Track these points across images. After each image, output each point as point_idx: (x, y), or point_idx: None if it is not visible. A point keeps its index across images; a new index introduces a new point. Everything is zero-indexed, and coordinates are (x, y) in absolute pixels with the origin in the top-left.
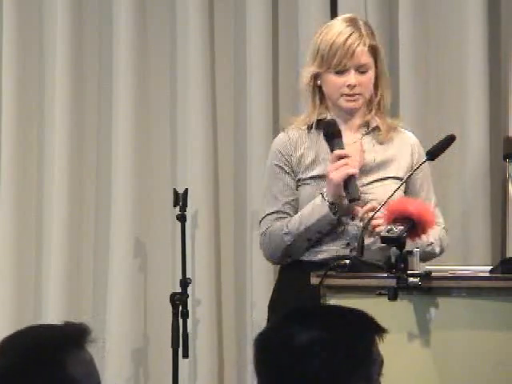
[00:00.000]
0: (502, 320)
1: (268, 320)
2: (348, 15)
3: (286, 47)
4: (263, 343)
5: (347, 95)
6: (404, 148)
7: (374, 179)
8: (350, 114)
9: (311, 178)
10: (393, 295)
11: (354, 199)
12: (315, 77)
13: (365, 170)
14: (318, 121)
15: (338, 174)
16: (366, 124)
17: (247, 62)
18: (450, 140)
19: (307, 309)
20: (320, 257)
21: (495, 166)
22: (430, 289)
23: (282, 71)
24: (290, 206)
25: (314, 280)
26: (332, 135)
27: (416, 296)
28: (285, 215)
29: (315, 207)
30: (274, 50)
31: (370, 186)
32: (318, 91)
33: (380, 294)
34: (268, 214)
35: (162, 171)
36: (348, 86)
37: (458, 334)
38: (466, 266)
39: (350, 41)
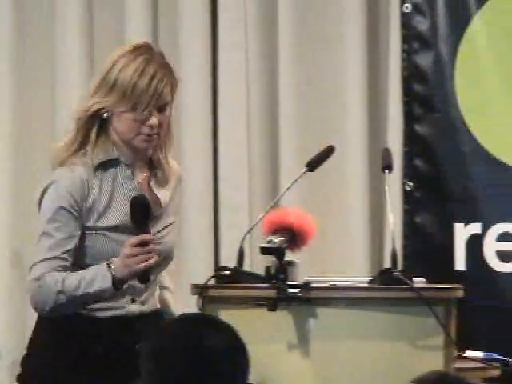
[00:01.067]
0: (381, 330)
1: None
2: (141, 43)
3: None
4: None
5: (146, 135)
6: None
7: (163, 226)
8: (139, 154)
9: (106, 228)
10: (272, 306)
11: (145, 281)
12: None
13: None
14: (105, 162)
15: (137, 262)
16: (151, 164)
17: None
18: (329, 151)
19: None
20: (105, 314)
21: (374, 178)
22: (309, 299)
23: None
24: (70, 254)
25: (194, 291)
26: (142, 216)
27: (296, 306)
28: (65, 262)
29: (98, 277)
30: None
31: (159, 235)
32: (98, 125)
33: (260, 305)
34: (45, 260)
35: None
36: (149, 126)
37: (338, 344)
38: (346, 277)
39: (155, 81)
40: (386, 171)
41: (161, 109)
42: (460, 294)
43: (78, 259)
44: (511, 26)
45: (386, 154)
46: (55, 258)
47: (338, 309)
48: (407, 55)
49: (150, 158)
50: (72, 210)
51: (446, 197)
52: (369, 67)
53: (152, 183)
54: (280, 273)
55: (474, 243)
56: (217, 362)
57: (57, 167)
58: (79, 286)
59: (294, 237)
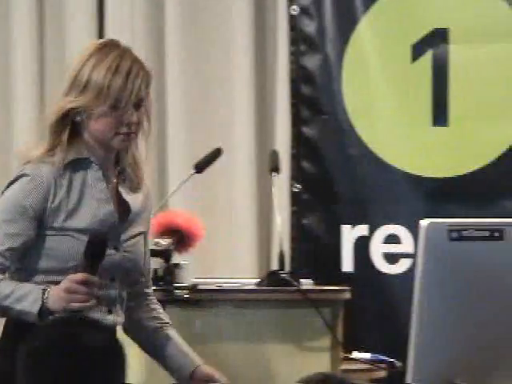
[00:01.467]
0: (268, 332)
1: None
2: (107, 40)
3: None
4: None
5: (125, 134)
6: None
7: (130, 235)
8: (111, 154)
9: (75, 230)
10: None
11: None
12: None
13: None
14: (74, 161)
15: (73, 300)
16: (120, 166)
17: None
18: (216, 153)
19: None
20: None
21: (262, 180)
22: (197, 301)
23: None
24: (13, 253)
25: None
26: (96, 255)
27: (183, 308)
28: (4, 261)
29: (28, 297)
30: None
31: (125, 245)
32: (70, 127)
33: None
34: None
35: None
36: (127, 124)
37: (227, 346)
38: (233, 279)
39: (131, 77)
40: (274, 173)
41: (138, 105)
42: (347, 295)
43: (38, 262)
44: (397, 28)
45: (274, 156)
46: None
47: (226, 310)
48: (295, 57)
49: (117, 160)
50: (29, 209)
51: (333, 199)
52: (256, 69)
53: (121, 187)
54: (167, 275)
55: (361, 245)
56: (94, 361)
57: (25, 164)
58: (7, 296)
59: (181, 238)
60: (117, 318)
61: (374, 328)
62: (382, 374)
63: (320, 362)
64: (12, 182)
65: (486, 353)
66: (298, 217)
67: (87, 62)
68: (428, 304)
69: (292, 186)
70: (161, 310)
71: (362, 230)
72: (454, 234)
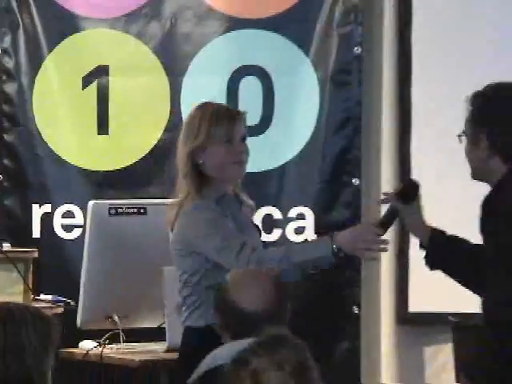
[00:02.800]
0: None
1: None
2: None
3: None
4: None
5: (238, 163)
6: None
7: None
8: (231, 183)
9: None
10: None
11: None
12: (194, 155)
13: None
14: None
15: (363, 246)
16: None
17: None
18: None
19: None
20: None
21: None
22: None
23: None
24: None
25: None
26: (408, 196)
27: None
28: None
29: (318, 246)
30: None
31: None
32: (196, 170)
33: None
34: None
35: None
36: (240, 154)
37: None
38: None
39: (234, 115)
40: None
41: (244, 138)
42: (35, 254)
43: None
44: (72, 64)
45: None
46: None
47: None
48: None
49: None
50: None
51: (26, 186)
52: None
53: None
54: None
55: (46, 219)
56: None
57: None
58: (290, 255)
59: None
60: None
61: (56, 278)
62: (60, 310)
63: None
64: (186, 214)
65: (133, 295)
66: (2, 200)
67: (197, 113)
68: (94, 260)
69: None
70: None
71: (47, 208)
72: (113, 211)
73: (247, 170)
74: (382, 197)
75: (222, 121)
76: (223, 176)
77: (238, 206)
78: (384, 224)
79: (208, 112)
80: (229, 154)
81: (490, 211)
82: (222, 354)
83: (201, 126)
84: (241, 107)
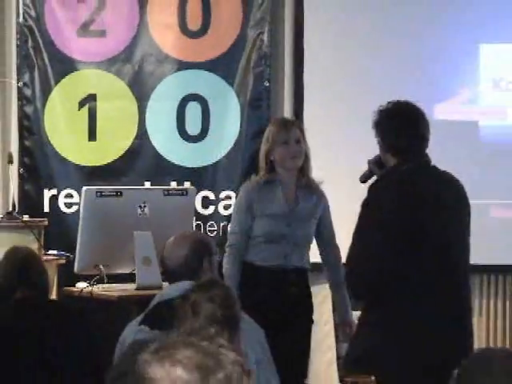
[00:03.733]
0: None
1: None
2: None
3: None
4: None
5: (292, 158)
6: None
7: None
8: (291, 173)
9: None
10: None
11: None
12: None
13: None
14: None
15: None
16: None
17: None
18: None
19: None
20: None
21: None
22: None
23: None
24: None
25: None
26: None
27: None
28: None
29: None
30: None
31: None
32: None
33: None
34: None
35: None
36: (293, 151)
37: None
38: None
39: (287, 121)
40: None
41: (298, 141)
42: (46, 223)
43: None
44: (73, 92)
45: (10, 156)
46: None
47: None
48: (21, 108)
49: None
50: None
51: (39, 177)
52: None
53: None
54: None
55: (53, 199)
56: None
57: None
58: None
59: None
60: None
61: (60, 239)
62: (63, 261)
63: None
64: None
65: (113, 251)
66: (22, 186)
67: (269, 128)
68: (86, 227)
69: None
70: None
71: (54, 191)
72: (99, 194)
73: (193, 165)
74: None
75: (280, 128)
76: (284, 167)
77: (302, 194)
78: (365, 180)
79: (272, 123)
80: (286, 152)
81: (370, 197)
82: (166, 293)
83: (269, 134)
84: (187, 124)
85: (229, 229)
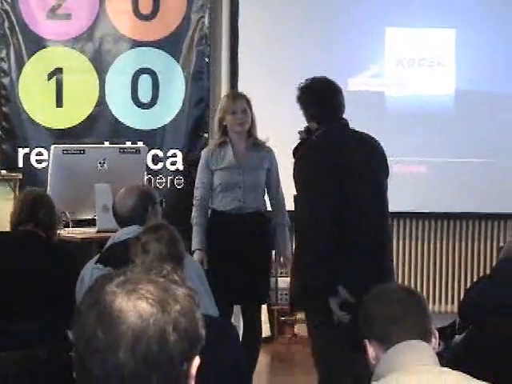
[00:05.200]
0: None
1: None
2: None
3: None
4: None
5: (238, 124)
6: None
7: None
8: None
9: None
10: None
11: None
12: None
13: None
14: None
15: None
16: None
17: None
18: None
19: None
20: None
21: None
22: None
23: None
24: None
25: None
26: None
27: None
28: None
29: None
30: None
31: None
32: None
33: None
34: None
35: None
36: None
37: None
38: None
39: (235, 93)
40: None
41: (244, 110)
42: (20, 177)
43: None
44: (43, 65)
45: None
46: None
47: None
48: None
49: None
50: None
51: (15, 137)
52: None
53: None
54: None
55: (26, 156)
56: None
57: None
58: None
59: None
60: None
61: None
62: None
63: None
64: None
65: (77, 199)
66: (1, 146)
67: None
68: (54, 181)
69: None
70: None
71: (27, 150)
72: (65, 152)
73: (144, 128)
74: None
75: (229, 100)
76: (233, 130)
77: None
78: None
79: (225, 96)
80: (234, 119)
81: (296, 158)
82: (117, 236)
83: (221, 105)
84: (140, 93)
85: (195, 185)
